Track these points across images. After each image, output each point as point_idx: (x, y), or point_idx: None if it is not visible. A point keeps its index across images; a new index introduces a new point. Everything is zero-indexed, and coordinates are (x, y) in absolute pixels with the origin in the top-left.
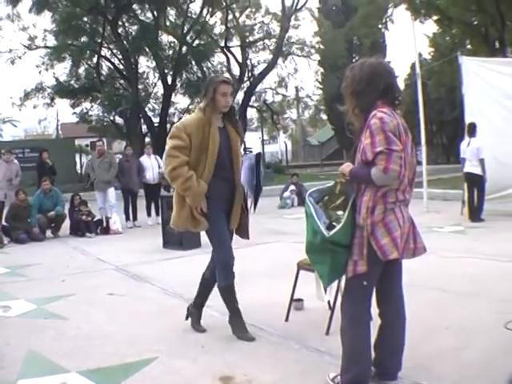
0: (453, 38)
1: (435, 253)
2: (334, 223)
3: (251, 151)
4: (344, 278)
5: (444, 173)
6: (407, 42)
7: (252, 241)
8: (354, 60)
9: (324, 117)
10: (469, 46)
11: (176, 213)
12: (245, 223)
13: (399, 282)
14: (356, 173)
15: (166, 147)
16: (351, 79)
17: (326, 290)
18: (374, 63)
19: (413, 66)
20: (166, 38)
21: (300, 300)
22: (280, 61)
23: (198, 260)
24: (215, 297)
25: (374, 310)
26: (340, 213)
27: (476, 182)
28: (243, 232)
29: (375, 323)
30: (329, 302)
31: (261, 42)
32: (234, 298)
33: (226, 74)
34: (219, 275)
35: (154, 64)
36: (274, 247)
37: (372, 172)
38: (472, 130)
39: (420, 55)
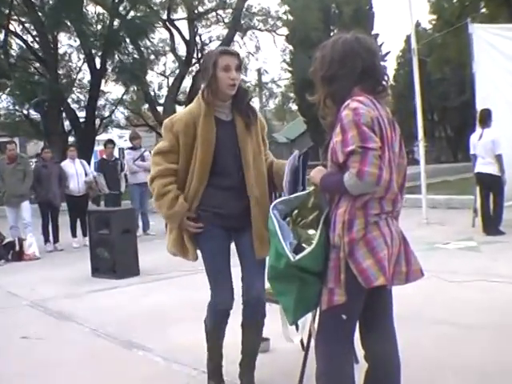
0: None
1: (438, 276)
2: (304, 244)
3: None
4: (318, 311)
5: (449, 174)
6: (401, 7)
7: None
8: (331, 34)
9: (294, 107)
10: (483, 10)
11: (167, 233)
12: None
13: (389, 315)
14: (326, 181)
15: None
16: (321, 61)
17: (297, 327)
18: (349, 40)
19: (408, 40)
20: (92, 9)
21: (265, 339)
22: (237, 37)
23: (136, 291)
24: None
25: (360, 350)
26: (312, 232)
27: (491, 185)
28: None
29: (361, 368)
30: (302, 342)
31: (213, 14)
32: (219, 345)
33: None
34: (208, 316)
35: (77, 42)
36: (238, 273)
37: (345, 178)
38: (486, 118)
39: (418, 25)
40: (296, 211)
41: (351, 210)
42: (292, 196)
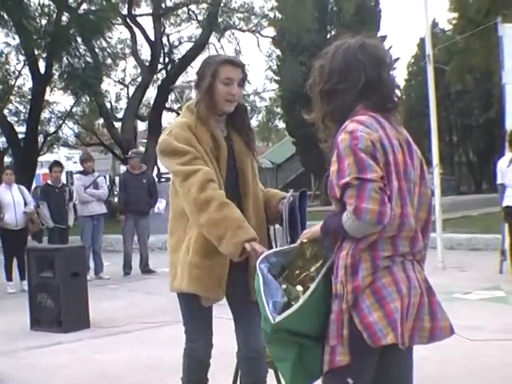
0: None
1: (458, 333)
2: (293, 302)
3: (168, 178)
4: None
5: (471, 207)
6: (414, 4)
7: (172, 315)
8: (328, 36)
9: (280, 125)
10: None
11: (178, 267)
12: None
13: (407, 382)
14: (326, 225)
15: (172, 174)
16: (319, 72)
17: None
18: (352, 47)
19: (422, 43)
20: (35, 0)
21: None
22: (214, 38)
23: (86, 349)
24: None
25: None
26: (300, 288)
27: None
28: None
29: None
30: None
31: (184, 9)
32: None
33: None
34: (186, 370)
35: (17, 40)
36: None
37: (343, 219)
38: None
39: (434, 25)
40: (292, 264)
41: (355, 253)
42: (289, 247)
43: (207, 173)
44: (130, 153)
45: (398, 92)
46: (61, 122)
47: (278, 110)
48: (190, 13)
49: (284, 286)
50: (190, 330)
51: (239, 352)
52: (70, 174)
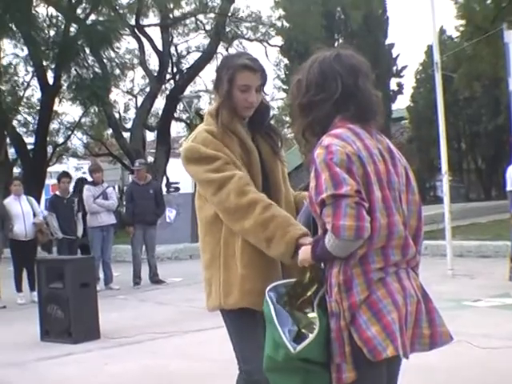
0: (497, 0)
1: (466, 341)
2: (304, 331)
3: (177, 187)
4: None
5: (480, 215)
6: (422, 11)
7: (182, 325)
8: (335, 44)
9: (289, 134)
10: None
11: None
12: None
13: None
14: (316, 252)
15: (199, 184)
16: (296, 86)
17: None
18: (327, 58)
19: (430, 51)
20: (44, 11)
21: None
22: (221, 48)
23: (96, 360)
24: None
25: None
26: (312, 315)
27: None
28: None
29: None
30: None
31: (192, 19)
32: None
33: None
34: None
35: (25, 52)
36: (212, 336)
37: (325, 241)
38: None
39: (442, 32)
40: (291, 291)
41: (346, 269)
42: (292, 280)
43: (243, 177)
44: (136, 163)
45: (375, 100)
46: (69, 132)
47: (287, 118)
48: (198, 23)
49: (290, 314)
50: (244, 349)
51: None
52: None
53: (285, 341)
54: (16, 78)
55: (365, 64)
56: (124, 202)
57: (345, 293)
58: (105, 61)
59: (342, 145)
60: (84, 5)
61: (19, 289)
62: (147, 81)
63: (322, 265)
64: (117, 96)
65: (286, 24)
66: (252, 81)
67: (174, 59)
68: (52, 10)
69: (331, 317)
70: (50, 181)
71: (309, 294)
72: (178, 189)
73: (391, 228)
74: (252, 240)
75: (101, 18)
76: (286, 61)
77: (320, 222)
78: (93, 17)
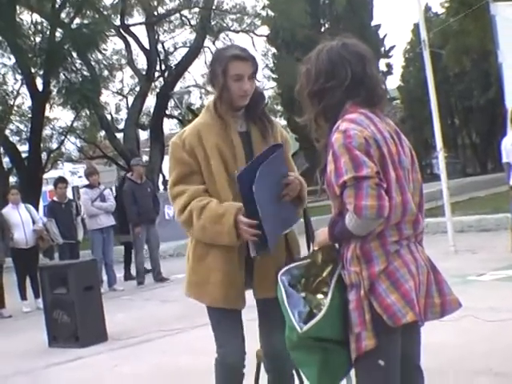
0: None
1: (474, 315)
2: (315, 311)
3: None
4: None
5: (478, 189)
6: None
7: (188, 321)
8: (322, 29)
9: (282, 122)
10: None
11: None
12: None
13: (419, 355)
14: (333, 232)
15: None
16: (306, 76)
17: None
18: (335, 47)
19: (417, 29)
20: (28, 18)
21: None
22: (208, 41)
23: (105, 362)
24: None
25: None
26: (320, 296)
27: None
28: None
29: None
30: None
31: (176, 15)
32: None
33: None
34: (218, 379)
35: (12, 60)
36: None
37: (346, 221)
38: None
39: (428, 10)
40: (306, 273)
41: (364, 245)
42: (304, 262)
43: (192, 194)
44: (133, 161)
45: (382, 86)
46: (63, 137)
47: (278, 107)
48: (183, 18)
49: (303, 295)
50: (218, 334)
51: (263, 349)
52: (76, 189)
53: (293, 322)
54: (5, 86)
55: (369, 51)
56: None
57: (365, 264)
58: (93, 63)
59: (359, 129)
60: (68, 9)
61: (24, 297)
62: (136, 80)
63: (337, 245)
64: (107, 97)
65: (270, 13)
66: (244, 69)
67: (162, 56)
68: (36, 17)
69: (350, 288)
70: (47, 187)
71: (324, 274)
72: None
73: (405, 205)
74: (205, 241)
75: (85, 21)
76: (273, 50)
77: (336, 202)
78: (77, 20)
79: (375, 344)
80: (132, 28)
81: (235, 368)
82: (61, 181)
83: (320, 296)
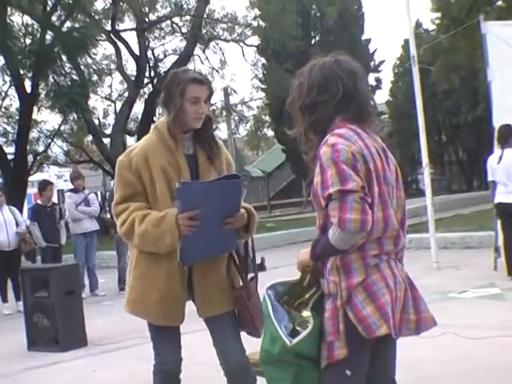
0: None
1: (453, 332)
2: (299, 328)
3: None
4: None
5: (463, 206)
6: (397, 5)
7: None
8: (312, 42)
9: (269, 133)
10: (499, 3)
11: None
12: (243, 305)
13: (393, 371)
14: (315, 251)
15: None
16: (298, 90)
17: None
18: (327, 63)
19: (407, 44)
20: (19, 20)
21: None
22: (198, 50)
23: (84, 367)
24: None
25: None
26: (306, 314)
27: None
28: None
29: None
30: None
31: (167, 22)
32: None
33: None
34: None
35: (1, 61)
36: (198, 338)
37: (329, 235)
38: (506, 135)
39: (418, 26)
40: (290, 291)
41: (344, 257)
42: (291, 280)
43: (134, 209)
44: None
45: (371, 102)
46: (49, 140)
47: (267, 117)
48: (174, 25)
49: (287, 311)
50: (156, 343)
51: (221, 366)
52: (61, 193)
53: (281, 334)
54: None
55: (360, 68)
56: (107, 208)
57: (344, 275)
58: (82, 67)
59: (347, 144)
60: (59, 12)
61: (4, 299)
62: (125, 86)
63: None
64: (95, 102)
65: (261, 23)
66: (201, 92)
67: (151, 63)
68: (27, 19)
69: (327, 297)
70: (32, 190)
71: (307, 296)
72: None
73: (387, 221)
74: (146, 249)
75: (76, 25)
76: (263, 60)
77: (321, 213)
78: (68, 24)
79: (347, 354)
80: (122, 33)
81: (173, 374)
82: (49, 183)
83: (306, 314)
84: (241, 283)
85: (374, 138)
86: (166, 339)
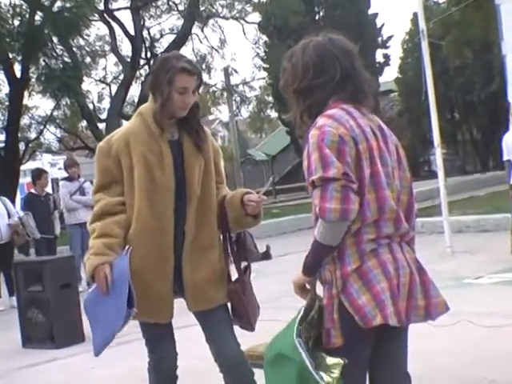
0: None
1: (470, 320)
2: (322, 373)
3: None
4: None
5: (478, 187)
6: None
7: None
8: (316, 17)
9: (273, 114)
10: None
11: None
12: (238, 299)
13: (402, 363)
14: (309, 259)
15: None
16: (291, 72)
17: None
18: (321, 42)
19: (415, 18)
20: (6, 0)
21: None
22: (196, 28)
23: (82, 364)
24: None
25: None
26: (332, 362)
27: None
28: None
29: None
30: None
31: (163, 0)
32: None
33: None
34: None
35: None
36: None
37: (315, 231)
38: None
39: None
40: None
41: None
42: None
43: (105, 206)
44: None
45: (369, 83)
46: (42, 127)
47: (269, 98)
48: (170, 3)
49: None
50: (149, 340)
51: (216, 362)
52: (55, 182)
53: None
54: None
55: (354, 48)
56: None
57: (338, 262)
58: (74, 49)
59: (335, 126)
60: None
61: None
62: (120, 68)
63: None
64: (89, 85)
65: None
66: (190, 83)
67: (147, 43)
68: None
69: (324, 285)
70: (25, 179)
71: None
72: None
73: (382, 202)
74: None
75: (67, 5)
76: (264, 37)
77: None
78: (59, 3)
79: (342, 343)
80: (116, 13)
81: (169, 371)
82: (44, 171)
83: (333, 361)
84: (236, 277)
85: (369, 118)
86: (159, 334)
